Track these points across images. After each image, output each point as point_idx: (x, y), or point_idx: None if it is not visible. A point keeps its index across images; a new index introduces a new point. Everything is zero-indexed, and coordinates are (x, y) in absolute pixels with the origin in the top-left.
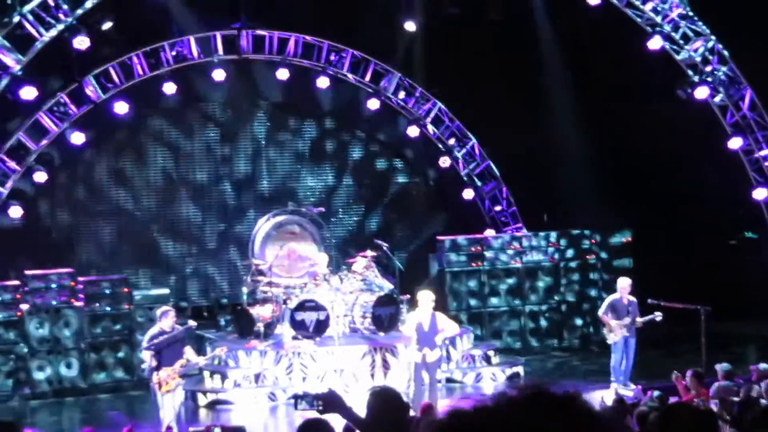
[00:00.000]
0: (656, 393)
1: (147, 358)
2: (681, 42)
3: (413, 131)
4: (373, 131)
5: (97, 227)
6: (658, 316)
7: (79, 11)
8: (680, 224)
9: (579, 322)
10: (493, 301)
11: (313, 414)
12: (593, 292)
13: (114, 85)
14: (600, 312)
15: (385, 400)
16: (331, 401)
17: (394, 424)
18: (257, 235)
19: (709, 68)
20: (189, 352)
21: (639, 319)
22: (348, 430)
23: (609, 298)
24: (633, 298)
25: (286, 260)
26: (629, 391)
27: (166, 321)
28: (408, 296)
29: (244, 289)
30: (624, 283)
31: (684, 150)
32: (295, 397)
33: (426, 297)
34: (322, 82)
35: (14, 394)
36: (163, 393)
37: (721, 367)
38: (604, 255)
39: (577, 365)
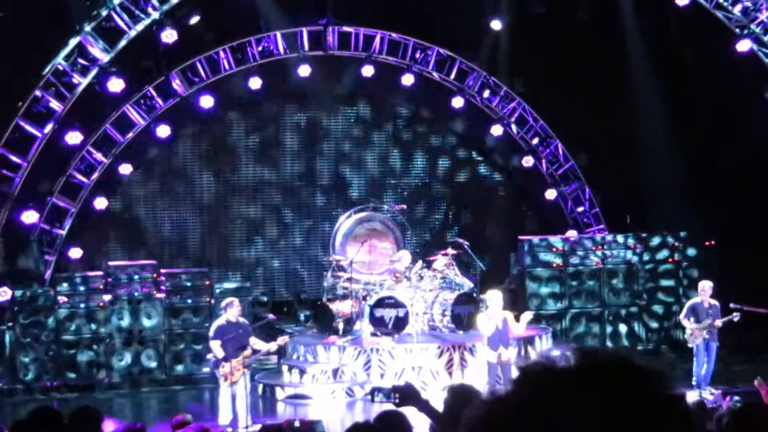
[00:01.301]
0: (736, 398)
1: (215, 348)
2: None
3: (497, 130)
4: (457, 129)
5: (180, 220)
6: (736, 316)
7: (167, 5)
8: (765, 229)
9: (658, 324)
10: (573, 302)
11: (389, 406)
12: (674, 295)
13: (200, 79)
14: (681, 316)
15: (462, 396)
16: (408, 394)
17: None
18: (339, 232)
19: None
20: (254, 341)
21: (718, 321)
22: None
23: (690, 302)
24: (715, 302)
25: (367, 257)
26: (710, 395)
27: (232, 312)
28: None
29: (325, 285)
30: (705, 286)
31: None
32: (373, 389)
33: (497, 296)
34: (407, 80)
35: (95, 383)
36: (227, 384)
37: None
38: (686, 258)
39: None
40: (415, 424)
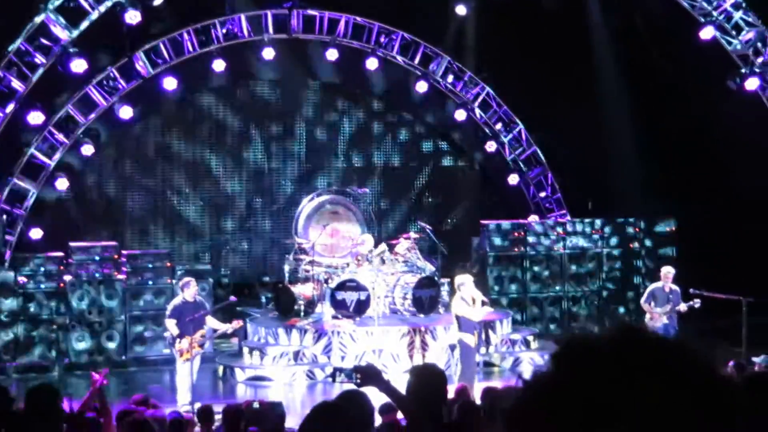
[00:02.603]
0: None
1: (170, 326)
2: (733, 32)
3: (461, 115)
4: (421, 114)
5: (142, 201)
6: (696, 302)
7: None
8: (725, 215)
9: (621, 309)
10: (535, 286)
11: (351, 386)
12: (636, 280)
13: (164, 61)
14: (642, 300)
15: (426, 377)
16: (369, 375)
17: (432, 401)
18: (301, 215)
19: (760, 59)
20: (211, 320)
21: (681, 306)
22: (385, 408)
23: (651, 287)
24: (675, 287)
25: (329, 240)
26: None
27: (189, 291)
28: (449, 279)
29: (286, 268)
30: (667, 271)
31: (732, 141)
32: (335, 370)
33: (468, 279)
34: (372, 64)
35: (55, 364)
36: (183, 361)
37: (761, 359)
38: (648, 243)
39: None
40: (377, 404)
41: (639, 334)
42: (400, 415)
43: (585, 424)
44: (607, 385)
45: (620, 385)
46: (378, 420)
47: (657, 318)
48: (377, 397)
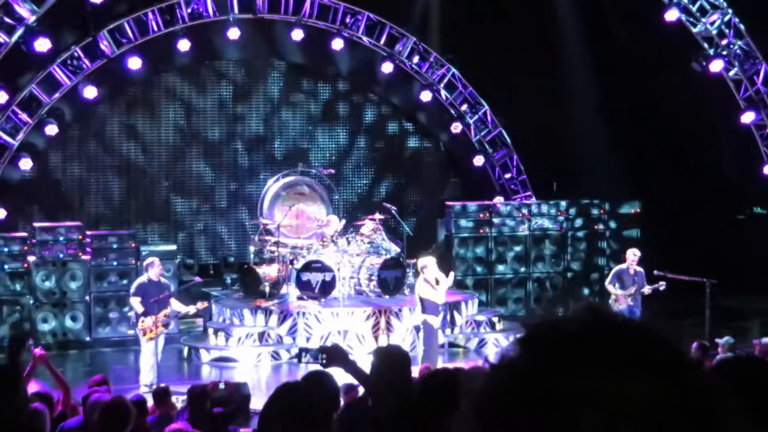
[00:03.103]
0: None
1: (134, 304)
2: (698, 14)
3: (426, 96)
4: (387, 95)
5: (107, 182)
6: (662, 285)
7: None
8: (690, 197)
9: (586, 291)
10: (500, 267)
11: (316, 367)
12: (601, 262)
13: (128, 41)
14: (606, 281)
15: (390, 358)
16: (335, 355)
17: (397, 381)
18: (266, 195)
19: (724, 42)
20: (175, 302)
21: (646, 288)
22: (346, 388)
23: (616, 268)
24: (640, 269)
25: (295, 221)
26: None
27: (153, 271)
28: (414, 260)
29: (252, 249)
30: (631, 253)
31: (696, 123)
32: (300, 350)
33: (432, 261)
34: (337, 44)
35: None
36: (146, 340)
37: (723, 340)
38: (612, 225)
39: None
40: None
41: (605, 317)
42: (362, 392)
43: (550, 410)
44: (572, 371)
45: (585, 370)
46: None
47: (622, 300)
48: (341, 378)
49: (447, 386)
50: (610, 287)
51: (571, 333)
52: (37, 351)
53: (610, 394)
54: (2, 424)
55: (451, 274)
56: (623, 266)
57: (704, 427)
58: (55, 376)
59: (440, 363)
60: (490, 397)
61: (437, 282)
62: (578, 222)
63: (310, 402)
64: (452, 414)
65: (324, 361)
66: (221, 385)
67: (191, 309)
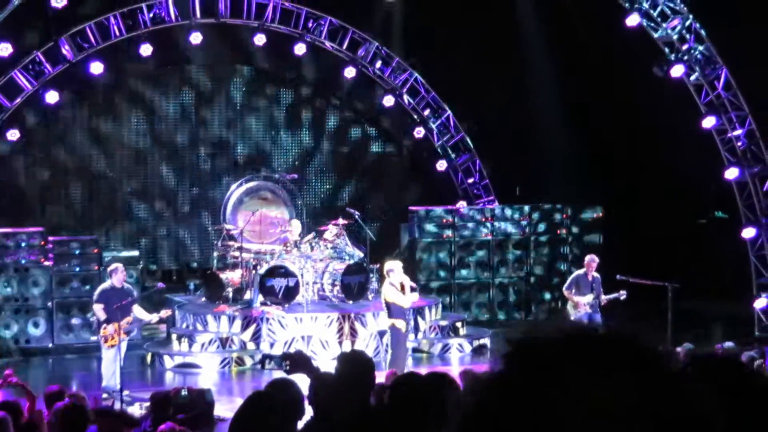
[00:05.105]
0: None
1: (97, 311)
2: (658, 19)
3: (389, 101)
4: (349, 100)
5: (69, 187)
6: (622, 294)
7: None
8: (651, 202)
9: (547, 296)
10: (463, 272)
11: (280, 374)
12: (563, 267)
13: (90, 45)
14: (564, 287)
15: (353, 364)
16: (298, 361)
17: (361, 386)
18: (229, 201)
19: (685, 47)
20: (138, 309)
21: (603, 297)
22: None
23: (574, 274)
24: (597, 275)
25: (258, 226)
26: None
27: (116, 277)
28: (377, 265)
29: (215, 254)
30: (590, 259)
31: (658, 128)
32: (264, 357)
33: (398, 266)
34: (300, 49)
35: None
36: (107, 347)
37: (683, 347)
38: (574, 230)
39: None
40: (305, 391)
41: (588, 331)
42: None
43: (539, 427)
44: (558, 385)
45: (571, 384)
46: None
47: (581, 306)
48: (305, 384)
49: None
50: (567, 293)
51: (555, 349)
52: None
53: (598, 408)
54: None
55: (415, 293)
56: (581, 272)
57: (696, 429)
58: (20, 386)
59: (406, 368)
60: (486, 415)
61: (402, 286)
62: (541, 227)
63: (278, 410)
64: (424, 420)
65: (287, 368)
66: (183, 392)
67: (154, 317)
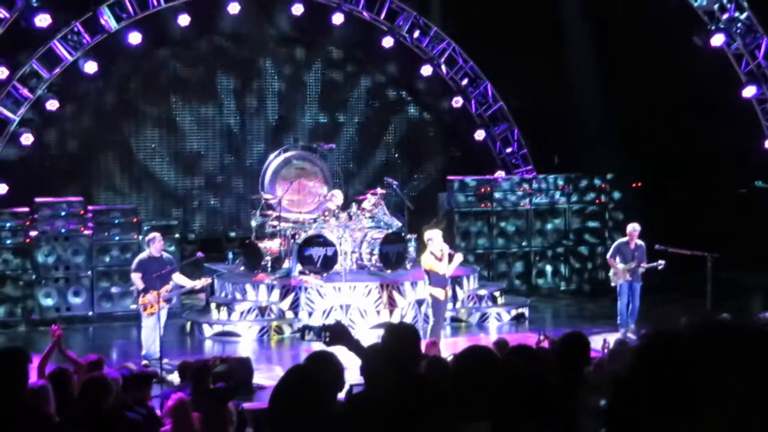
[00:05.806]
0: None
1: (135, 280)
2: None
3: (427, 70)
4: (387, 69)
5: (107, 157)
6: (660, 264)
7: None
8: (691, 171)
9: (589, 265)
10: (501, 242)
11: (319, 345)
12: (601, 236)
13: (128, 15)
14: (608, 255)
15: (401, 334)
16: (338, 333)
17: (403, 358)
18: (267, 170)
19: (726, 16)
20: (179, 277)
21: (643, 265)
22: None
23: (617, 242)
24: (641, 243)
25: (296, 195)
26: (634, 335)
27: (154, 246)
28: (416, 235)
29: (253, 223)
30: (632, 227)
31: (698, 97)
32: (303, 327)
33: (437, 234)
34: (337, 19)
35: (22, 320)
36: (147, 315)
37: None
38: (614, 198)
39: (584, 308)
40: (346, 364)
41: (719, 325)
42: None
43: (679, 417)
44: (693, 377)
45: (707, 377)
46: (357, 378)
47: (621, 274)
48: (345, 356)
49: (483, 363)
50: (610, 260)
51: (688, 343)
52: (56, 328)
53: (737, 398)
54: (9, 405)
55: (460, 255)
56: (623, 240)
57: None
58: (64, 355)
59: (443, 337)
60: (625, 409)
61: (442, 255)
62: (579, 196)
63: (319, 385)
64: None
65: (327, 339)
66: (220, 362)
67: (196, 284)
